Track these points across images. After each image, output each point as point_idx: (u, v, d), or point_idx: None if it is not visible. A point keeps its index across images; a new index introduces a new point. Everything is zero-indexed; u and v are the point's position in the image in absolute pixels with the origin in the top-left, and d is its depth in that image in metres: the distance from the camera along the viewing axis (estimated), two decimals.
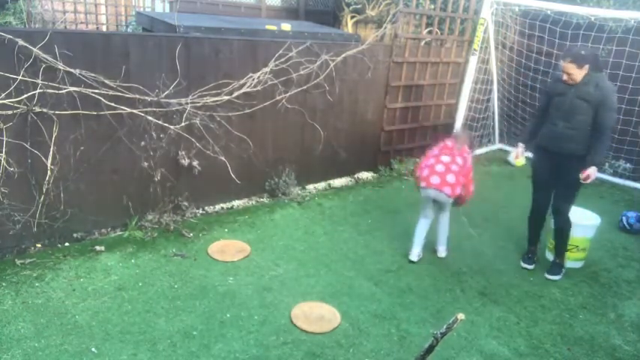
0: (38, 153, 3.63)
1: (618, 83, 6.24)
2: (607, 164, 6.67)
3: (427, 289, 3.70)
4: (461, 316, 2.14)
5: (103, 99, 3.77)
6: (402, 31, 5.85)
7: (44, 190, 3.71)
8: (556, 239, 3.99)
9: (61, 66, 3.54)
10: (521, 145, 4.15)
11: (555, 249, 4.02)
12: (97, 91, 3.73)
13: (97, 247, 3.86)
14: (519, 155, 4.13)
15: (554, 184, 3.88)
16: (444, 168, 3.89)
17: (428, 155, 4.06)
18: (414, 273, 3.90)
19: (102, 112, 3.81)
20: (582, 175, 3.61)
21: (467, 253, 4.28)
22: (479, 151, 7.23)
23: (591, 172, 3.60)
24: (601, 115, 3.57)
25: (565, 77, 3.65)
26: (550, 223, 4.11)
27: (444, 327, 2.16)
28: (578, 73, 3.60)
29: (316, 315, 3.27)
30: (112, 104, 3.83)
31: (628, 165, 6.55)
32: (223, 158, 4.56)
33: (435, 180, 3.86)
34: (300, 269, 3.83)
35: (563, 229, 3.91)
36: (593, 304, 3.68)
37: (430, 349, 2.24)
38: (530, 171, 4.09)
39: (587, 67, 3.58)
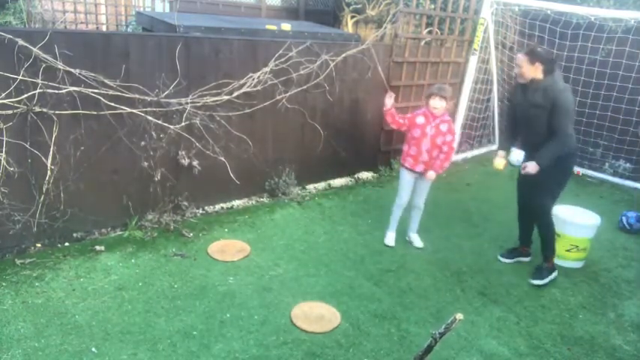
0: (38, 153, 3.62)
1: (618, 83, 6.26)
2: (607, 164, 6.68)
3: (427, 289, 3.70)
4: (459, 316, 2.14)
5: (102, 99, 3.77)
6: (402, 31, 5.85)
7: (44, 190, 3.71)
8: (540, 242, 3.92)
9: (60, 66, 3.54)
10: (501, 152, 4.08)
11: (541, 252, 3.94)
12: (96, 90, 3.73)
13: (97, 247, 3.86)
14: (500, 157, 4.06)
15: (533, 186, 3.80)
16: None
17: None
18: (414, 273, 3.90)
19: (102, 112, 3.81)
20: (522, 166, 3.66)
21: (467, 253, 4.29)
22: (478, 152, 7.24)
23: (529, 166, 3.59)
24: (554, 119, 3.49)
25: (516, 70, 3.65)
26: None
27: (443, 327, 2.16)
28: (528, 70, 3.55)
29: (316, 315, 3.27)
30: (112, 104, 3.83)
31: (628, 165, 6.55)
32: (223, 158, 4.56)
33: None
34: (300, 269, 3.83)
35: (540, 231, 3.86)
36: (593, 304, 3.68)
37: (429, 349, 2.24)
38: None
39: (539, 66, 3.51)
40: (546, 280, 3.85)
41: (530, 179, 3.69)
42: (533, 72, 3.56)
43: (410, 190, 4.22)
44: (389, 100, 4.18)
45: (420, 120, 4.07)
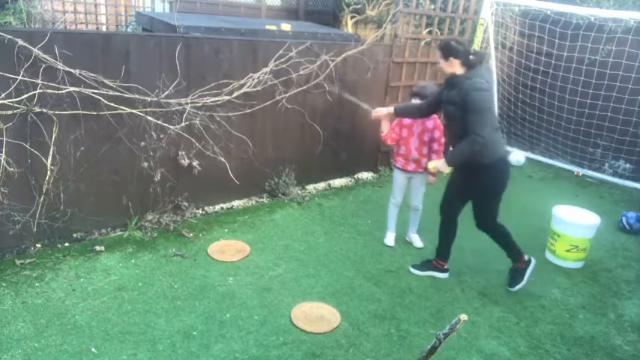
0: (38, 153, 3.63)
1: (618, 83, 6.26)
2: (607, 164, 6.68)
3: (427, 289, 3.70)
4: (464, 316, 2.13)
5: (102, 99, 3.78)
6: (402, 31, 5.86)
7: (44, 190, 3.71)
8: (501, 248, 3.75)
9: (60, 66, 3.55)
10: (388, 110, 3.95)
11: (507, 256, 3.77)
12: (96, 91, 3.73)
13: (97, 247, 3.86)
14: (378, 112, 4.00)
15: (460, 193, 3.68)
16: None
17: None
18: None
19: (102, 113, 3.81)
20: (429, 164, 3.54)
21: (467, 253, 4.28)
22: None
23: (437, 164, 3.46)
24: (466, 118, 3.23)
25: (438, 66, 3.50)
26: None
27: (447, 328, 2.15)
28: (444, 66, 3.34)
29: (316, 315, 3.27)
30: (112, 104, 3.83)
31: (628, 165, 6.55)
32: (223, 158, 4.56)
33: None
34: (300, 269, 3.83)
35: (496, 240, 3.71)
36: (593, 304, 3.68)
37: (433, 350, 2.23)
38: None
39: (455, 62, 3.26)
40: (524, 282, 3.69)
41: (469, 197, 3.60)
42: (450, 67, 3.32)
43: (403, 189, 4.29)
44: (385, 127, 4.14)
45: (407, 120, 4.11)
